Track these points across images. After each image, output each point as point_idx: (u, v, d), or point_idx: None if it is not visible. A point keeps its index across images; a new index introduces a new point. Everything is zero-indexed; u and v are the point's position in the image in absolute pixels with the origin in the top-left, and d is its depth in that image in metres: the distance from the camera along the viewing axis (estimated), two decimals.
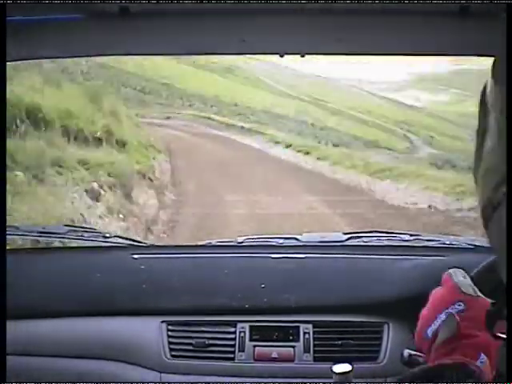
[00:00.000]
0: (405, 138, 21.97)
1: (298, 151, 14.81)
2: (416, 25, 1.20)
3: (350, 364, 1.14)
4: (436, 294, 1.05)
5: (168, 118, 19.65)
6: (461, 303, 0.98)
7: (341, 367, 1.14)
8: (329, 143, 16.66)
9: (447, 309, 0.99)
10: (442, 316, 0.98)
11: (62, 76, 11.94)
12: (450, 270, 1.06)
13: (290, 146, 15.54)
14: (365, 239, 1.66)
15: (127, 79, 21.82)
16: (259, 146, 15.91)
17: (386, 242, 1.66)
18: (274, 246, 1.64)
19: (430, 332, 0.99)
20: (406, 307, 1.41)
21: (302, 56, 1.30)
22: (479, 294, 1.00)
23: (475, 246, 1.60)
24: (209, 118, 20.18)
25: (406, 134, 22.77)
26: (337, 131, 19.91)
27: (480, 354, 0.92)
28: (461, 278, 1.03)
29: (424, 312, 1.04)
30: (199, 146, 14.56)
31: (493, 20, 1.15)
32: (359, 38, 1.24)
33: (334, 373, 1.14)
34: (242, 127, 18.96)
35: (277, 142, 16.42)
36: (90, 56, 1.40)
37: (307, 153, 14.36)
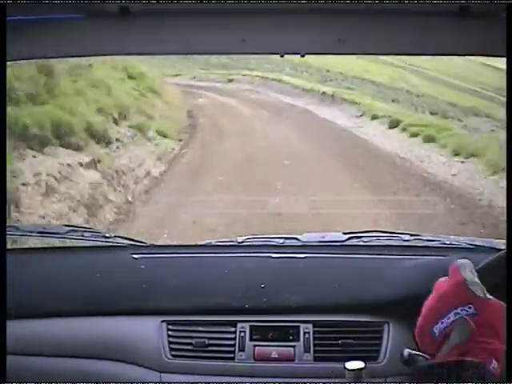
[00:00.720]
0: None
1: (412, 135, 8.42)
2: (416, 25, 1.20)
3: (364, 362, 1.16)
4: (442, 287, 1.01)
5: (230, 80, 17.00)
6: (471, 306, 0.95)
7: (353, 364, 1.15)
8: (426, 111, 12.41)
9: (456, 309, 0.96)
10: (451, 316, 0.96)
11: None
12: (459, 262, 1.01)
13: (397, 125, 9.22)
14: (365, 239, 1.66)
15: None
16: (344, 123, 9.85)
17: (386, 242, 1.66)
18: (274, 245, 1.64)
19: (437, 331, 0.97)
20: (406, 307, 1.41)
21: (302, 56, 1.30)
22: (488, 295, 0.97)
23: (475, 245, 1.60)
24: (280, 81, 15.62)
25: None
26: (434, 99, 16.66)
27: (492, 360, 0.91)
28: (469, 273, 0.99)
29: (429, 304, 1.01)
30: (248, 123, 9.12)
31: (493, 20, 1.15)
32: (359, 37, 1.24)
33: (347, 369, 1.15)
34: (324, 93, 13.45)
35: (374, 117, 10.25)
36: (90, 56, 1.39)
37: (432, 139, 8.00)
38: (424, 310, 1.02)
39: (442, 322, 0.97)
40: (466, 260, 1.02)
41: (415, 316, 1.41)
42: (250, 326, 1.41)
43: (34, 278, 1.51)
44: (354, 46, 1.26)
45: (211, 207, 4.96)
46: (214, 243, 1.70)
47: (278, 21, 1.20)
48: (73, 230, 1.67)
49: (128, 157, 6.42)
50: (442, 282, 1.02)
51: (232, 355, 1.38)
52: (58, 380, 1.35)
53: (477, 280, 0.99)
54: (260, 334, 1.41)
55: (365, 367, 1.16)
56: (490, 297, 0.98)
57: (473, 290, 0.97)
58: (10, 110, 5.03)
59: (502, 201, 5.03)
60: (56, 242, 1.68)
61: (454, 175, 6.10)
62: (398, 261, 1.52)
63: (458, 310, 0.96)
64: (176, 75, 17.19)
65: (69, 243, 1.66)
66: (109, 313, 1.46)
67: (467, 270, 1.00)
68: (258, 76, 16.98)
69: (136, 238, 1.70)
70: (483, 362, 0.90)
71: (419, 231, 1.71)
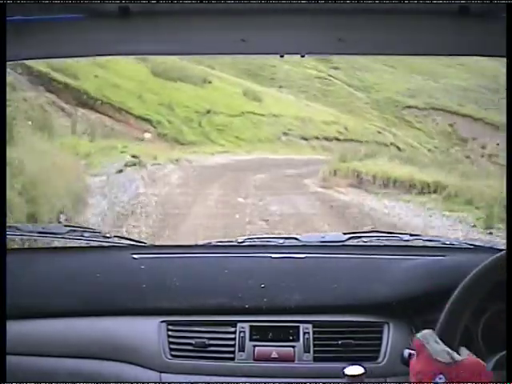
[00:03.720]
0: None
1: None
2: (416, 25, 1.20)
3: (363, 366, 1.14)
4: (415, 367, 1.05)
5: None
6: (441, 376, 1.00)
7: (353, 369, 1.13)
8: None
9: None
10: None
11: None
12: (422, 335, 1.06)
13: None
14: (365, 239, 1.66)
15: None
16: None
17: (386, 242, 1.66)
18: (274, 245, 1.64)
19: None
20: (406, 307, 1.41)
21: (302, 56, 1.30)
22: (455, 356, 1.02)
23: (475, 246, 1.60)
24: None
25: None
26: None
27: None
28: (433, 344, 1.04)
29: None
30: None
31: (493, 20, 1.15)
32: (359, 38, 1.24)
33: (346, 375, 1.13)
34: None
35: None
36: (90, 56, 1.39)
37: None
38: None
39: None
40: (427, 331, 1.07)
41: (415, 316, 1.42)
42: (250, 326, 1.41)
43: (34, 278, 1.51)
44: (354, 45, 1.26)
45: None
46: (213, 243, 1.70)
47: (278, 21, 1.20)
48: (73, 230, 1.67)
49: None
50: (414, 363, 1.06)
51: (232, 355, 1.38)
52: (58, 380, 1.35)
53: (441, 347, 1.03)
54: (260, 334, 1.41)
55: (365, 372, 1.14)
56: (457, 357, 1.02)
57: (439, 359, 1.01)
58: None
59: None
60: (56, 242, 1.68)
61: None
62: (397, 261, 1.52)
63: None
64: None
65: (69, 243, 1.66)
66: (109, 313, 1.46)
67: (430, 341, 1.04)
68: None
69: (136, 238, 1.70)
70: None
71: None
